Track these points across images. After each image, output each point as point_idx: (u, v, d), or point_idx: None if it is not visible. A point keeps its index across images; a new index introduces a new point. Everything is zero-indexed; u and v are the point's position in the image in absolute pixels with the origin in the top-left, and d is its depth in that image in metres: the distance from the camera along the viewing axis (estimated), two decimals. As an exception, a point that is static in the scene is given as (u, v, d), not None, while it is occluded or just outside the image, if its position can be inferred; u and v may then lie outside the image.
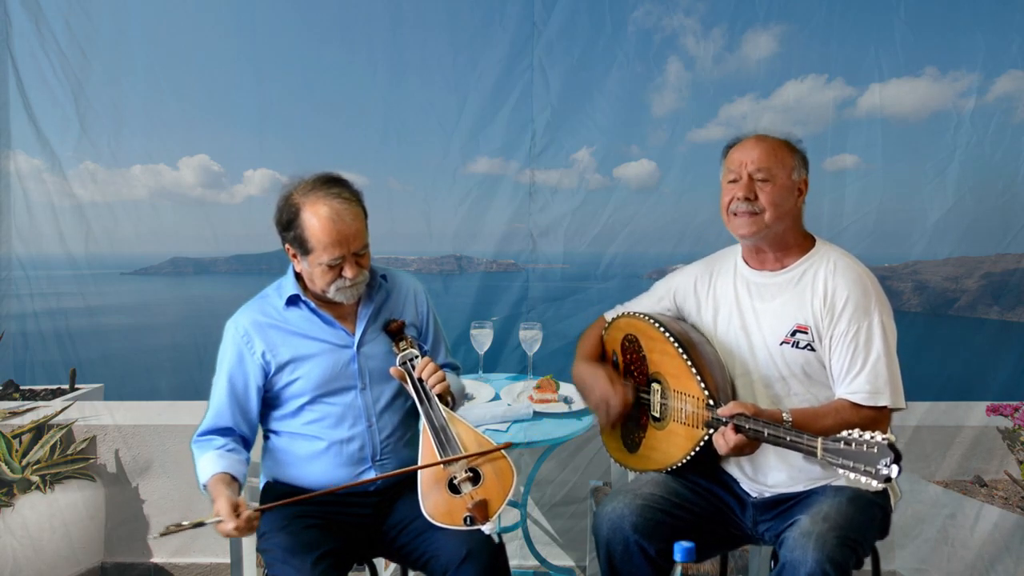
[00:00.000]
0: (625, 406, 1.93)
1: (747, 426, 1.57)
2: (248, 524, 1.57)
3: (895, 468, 1.31)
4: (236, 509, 1.57)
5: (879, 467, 1.32)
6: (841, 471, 1.40)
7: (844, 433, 1.40)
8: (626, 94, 3.48)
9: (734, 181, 1.81)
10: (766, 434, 1.54)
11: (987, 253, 3.47)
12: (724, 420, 1.62)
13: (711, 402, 1.69)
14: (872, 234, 3.38)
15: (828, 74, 3.39)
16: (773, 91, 3.42)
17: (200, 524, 1.56)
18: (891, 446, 1.32)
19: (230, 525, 1.55)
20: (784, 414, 1.57)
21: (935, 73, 3.37)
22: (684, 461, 1.80)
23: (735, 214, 1.81)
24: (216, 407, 1.82)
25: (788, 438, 1.49)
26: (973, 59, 3.30)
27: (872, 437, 1.35)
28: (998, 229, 3.35)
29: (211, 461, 1.73)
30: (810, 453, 1.46)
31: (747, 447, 1.63)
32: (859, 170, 3.40)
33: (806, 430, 1.49)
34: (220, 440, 1.79)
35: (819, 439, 1.44)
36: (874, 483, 1.33)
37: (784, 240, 1.84)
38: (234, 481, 1.71)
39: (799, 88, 3.40)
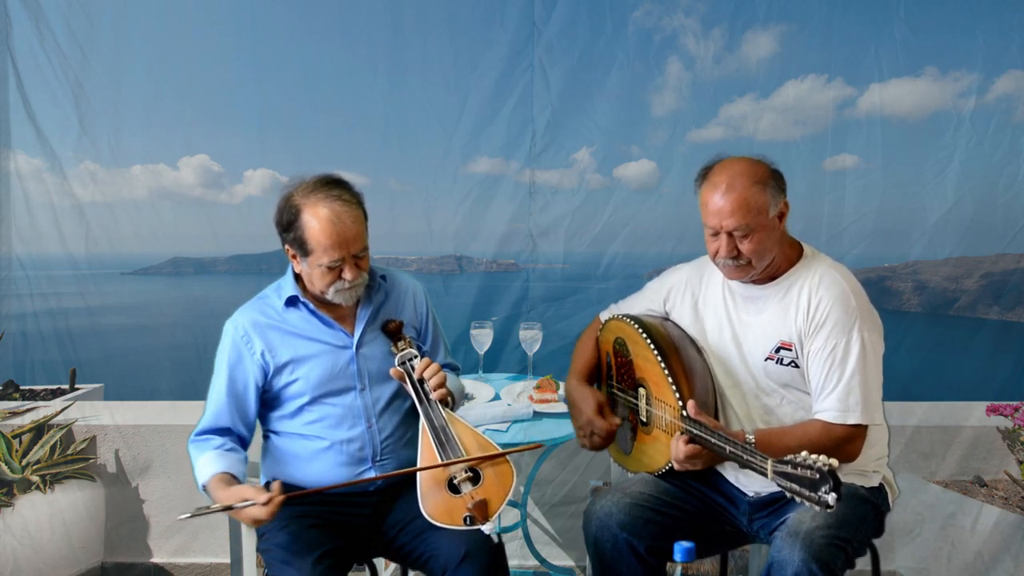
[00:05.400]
0: (609, 437, 1.92)
1: (712, 440, 1.57)
2: (276, 508, 1.57)
3: (832, 496, 1.30)
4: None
5: (820, 494, 1.31)
6: (789, 495, 1.38)
7: (791, 456, 1.38)
8: (626, 94, 3.48)
9: (715, 234, 1.76)
10: (727, 451, 1.53)
11: (987, 253, 3.47)
12: (692, 431, 1.62)
13: (684, 412, 1.68)
14: (872, 234, 3.38)
15: (828, 74, 3.38)
16: (773, 91, 3.42)
17: (229, 508, 1.56)
18: (831, 472, 1.31)
19: (262, 511, 1.54)
20: (748, 435, 1.56)
21: (935, 73, 3.37)
22: (667, 467, 1.79)
23: (721, 264, 1.80)
24: (215, 407, 1.82)
25: (744, 456, 1.49)
26: (973, 59, 3.29)
27: (815, 462, 1.34)
28: (998, 229, 3.35)
29: (211, 461, 1.73)
30: (762, 473, 1.45)
31: (700, 460, 1.65)
32: (859, 170, 3.40)
33: (768, 449, 1.47)
34: (218, 440, 1.78)
35: (769, 460, 1.42)
36: (816, 508, 1.33)
37: (771, 262, 1.81)
38: (235, 480, 1.70)
39: (799, 88, 3.40)
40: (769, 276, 1.82)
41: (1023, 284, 3.45)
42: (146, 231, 3.57)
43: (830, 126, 3.39)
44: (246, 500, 1.56)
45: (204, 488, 1.71)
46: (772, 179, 1.74)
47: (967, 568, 2.53)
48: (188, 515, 1.54)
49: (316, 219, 1.72)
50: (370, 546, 1.88)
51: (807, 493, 1.34)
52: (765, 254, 1.75)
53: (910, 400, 3.08)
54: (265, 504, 1.54)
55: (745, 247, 1.72)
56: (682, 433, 1.67)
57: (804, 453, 1.37)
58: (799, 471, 1.36)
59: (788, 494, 1.38)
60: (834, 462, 1.33)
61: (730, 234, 1.72)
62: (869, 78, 3.34)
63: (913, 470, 2.89)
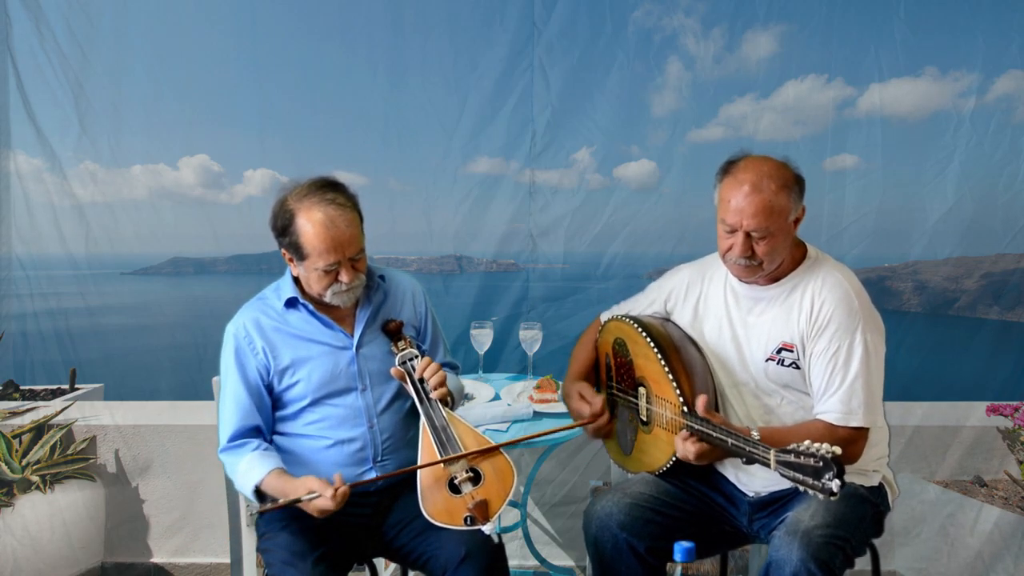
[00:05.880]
0: (597, 417, 1.94)
1: (714, 434, 1.57)
2: (343, 499, 1.59)
3: (836, 483, 1.30)
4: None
5: (823, 481, 1.32)
6: (791, 484, 1.39)
7: (794, 445, 1.39)
8: (626, 94, 3.48)
9: (731, 231, 1.74)
10: (729, 444, 1.53)
11: (987, 253, 3.47)
12: (695, 426, 1.63)
13: (686, 408, 1.69)
14: (872, 234, 3.38)
15: (828, 74, 3.38)
16: (773, 91, 3.42)
17: (297, 501, 1.59)
18: (834, 459, 1.31)
19: (329, 502, 1.57)
20: (753, 432, 1.58)
21: (935, 73, 3.37)
22: (668, 465, 1.80)
23: (731, 262, 1.79)
24: (239, 408, 1.80)
25: (747, 448, 1.49)
26: (973, 59, 3.29)
27: (818, 450, 1.34)
28: (998, 229, 3.35)
29: (256, 461, 1.72)
30: (764, 464, 1.45)
31: (707, 455, 1.65)
32: (859, 170, 3.40)
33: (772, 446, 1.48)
34: (254, 442, 1.78)
35: (772, 450, 1.43)
36: (820, 496, 1.33)
37: (779, 265, 1.81)
38: (288, 475, 1.70)
39: (799, 88, 3.40)
40: (773, 277, 1.82)
41: (1023, 284, 3.45)
42: (146, 231, 3.57)
43: (830, 126, 3.39)
44: (312, 492, 1.59)
45: (257, 489, 1.69)
46: (796, 184, 1.74)
47: (967, 568, 2.53)
48: (258, 512, 1.55)
49: (310, 223, 1.72)
50: (370, 546, 1.88)
51: (811, 481, 1.35)
52: (776, 257, 1.76)
53: (910, 400, 3.08)
54: (335, 499, 1.57)
55: (760, 249, 1.72)
56: (683, 429, 1.67)
57: (807, 442, 1.38)
58: (802, 459, 1.36)
59: (792, 483, 1.39)
60: (837, 449, 1.33)
61: (747, 234, 1.71)
62: (869, 78, 3.34)
63: (913, 470, 2.89)
